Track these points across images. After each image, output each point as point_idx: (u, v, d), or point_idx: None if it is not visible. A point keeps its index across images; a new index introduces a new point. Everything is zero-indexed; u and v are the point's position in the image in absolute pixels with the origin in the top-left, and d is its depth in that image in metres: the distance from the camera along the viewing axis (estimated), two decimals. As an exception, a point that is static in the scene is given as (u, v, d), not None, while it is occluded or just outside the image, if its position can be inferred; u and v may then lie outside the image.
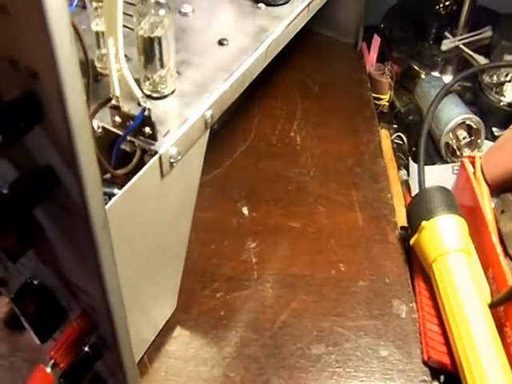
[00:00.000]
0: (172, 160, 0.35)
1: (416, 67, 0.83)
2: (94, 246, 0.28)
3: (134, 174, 0.38)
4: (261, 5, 0.54)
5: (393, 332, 0.45)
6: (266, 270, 0.49)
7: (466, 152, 0.65)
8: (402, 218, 0.57)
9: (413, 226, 0.50)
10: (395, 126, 0.76)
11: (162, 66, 0.39)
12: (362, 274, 0.50)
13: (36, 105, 0.25)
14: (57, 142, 0.26)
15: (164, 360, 0.42)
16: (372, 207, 0.57)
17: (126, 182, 0.35)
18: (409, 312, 0.47)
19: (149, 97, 0.40)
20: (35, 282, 0.37)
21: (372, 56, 0.88)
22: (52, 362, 0.32)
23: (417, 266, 0.50)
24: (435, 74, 0.81)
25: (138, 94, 0.36)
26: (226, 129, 0.65)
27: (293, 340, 0.44)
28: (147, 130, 0.35)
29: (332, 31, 0.88)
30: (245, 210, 0.55)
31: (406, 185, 0.64)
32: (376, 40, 0.88)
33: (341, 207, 0.56)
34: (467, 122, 0.65)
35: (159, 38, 0.38)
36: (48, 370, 0.31)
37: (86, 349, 0.34)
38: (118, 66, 0.36)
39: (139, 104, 0.38)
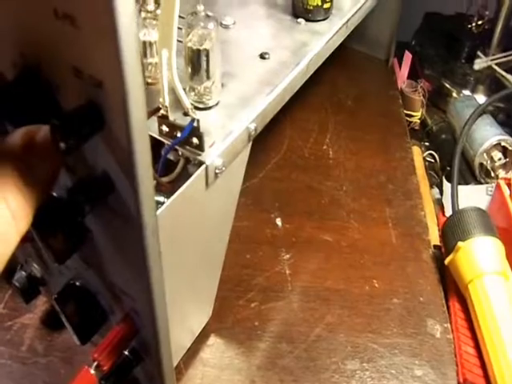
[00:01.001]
0: (217, 171, 0.36)
1: (447, 85, 0.83)
2: (143, 251, 0.29)
3: (177, 182, 0.39)
4: (300, 20, 0.55)
5: (428, 352, 0.45)
6: (299, 282, 0.49)
7: (501, 173, 0.65)
8: (434, 237, 0.57)
9: (448, 246, 0.50)
10: (426, 143, 0.76)
11: (208, 78, 0.40)
12: (396, 291, 0.50)
13: (97, 113, 0.26)
14: (115, 150, 0.26)
15: (199, 367, 0.42)
16: (405, 224, 0.57)
17: (170, 190, 0.35)
18: (443, 332, 0.47)
19: (194, 107, 0.40)
20: (77, 284, 0.38)
21: (403, 72, 0.88)
22: (96, 363, 0.32)
23: (451, 286, 0.50)
24: (467, 92, 0.81)
25: (188, 105, 0.36)
26: (259, 140, 0.66)
27: (327, 354, 0.44)
28: (194, 140, 0.36)
29: (364, 46, 0.88)
30: (278, 222, 0.55)
31: (438, 203, 0.63)
32: (407, 56, 0.88)
33: (374, 223, 0.56)
34: (502, 144, 0.65)
35: (207, 51, 0.39)
36: (92, 371, 0.32)
37: (127, 353, 0.35)
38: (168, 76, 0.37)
39: (185, 114, 0.39)
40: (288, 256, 0.52)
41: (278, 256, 0.52)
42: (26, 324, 0.45)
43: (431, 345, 0.46)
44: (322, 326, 0.46)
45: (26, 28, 0.27)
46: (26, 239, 0.41)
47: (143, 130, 0.25)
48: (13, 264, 0.48)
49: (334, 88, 0.79)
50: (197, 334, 0.44)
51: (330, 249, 0.53)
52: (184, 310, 0.40)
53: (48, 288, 0.44)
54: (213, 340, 0.44)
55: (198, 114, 0.39)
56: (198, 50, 0.39)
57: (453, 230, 0.50)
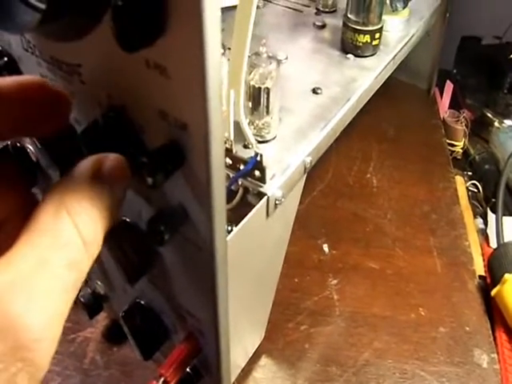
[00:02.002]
0: (277, 202, 0.38)
1: (489, 115, 0.84)
2: (212, 276, 0.31)
3: (236, 211, 0.41)
4: (349, 56, 0.57)
5: (475, 381, 0.46)
6: (347, 308, 0.51)
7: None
8: (479, 267, 0.58)
9: (494, 277, 0.51)
10: (469, 173, 0.77)
11: (267, 113, 0.43)
12: (442, 320, 0.51)
13: (180, 151, 0.28)
14: (193, 183, 0.29)
15: (253, 386, 0.45)
16: (450, 254, 0.58)
17: (230, 218, 0.38)
18: (490, 362, 0.47)
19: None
20: (143, 302, 0.40)
21: (445, 102, 0.90)
22: (163, 379, 0.34)
23: (497, 317, 0.51)
24: (509, 122, 0.82)
25: (253, 141, 0.39)
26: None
27: (376, 379, 0.46)
28: (256, 173, 0.38)
29: (406, 76, 0.90)
30: (325, 247, 0.58)
31: (482, 233, 0.64)
32: (449, 86, 0.89)
33: (418, 252, 0.58)
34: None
35: (268, 89, 0.42)
36: (160, 386, 0.34)
37: (189, 370, 0.37)
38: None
39: (245, 146, 0.42)
40: (335, 281, 0.54)
41: (325, 281, 0.54)
42: (89, 337, 0.49)
43: (478, 374, 0.47)
44: (370, 352, 0.47)
45: (116, 73, 0.30)
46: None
47: (221, 166, 0.28)
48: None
49: (377, 117, 0.81)
50: (250, 355, 0.46)
51: (375, 276, 0.55)
52: (241, 331, 0.42)
53: (110, 304, 0.47)
54: (264, 361, 0.46)
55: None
56: (260, 88, 0.42)
57: (500, 262, 0.51)
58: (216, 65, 0.24)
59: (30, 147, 0.44)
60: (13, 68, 0.39)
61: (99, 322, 0.49)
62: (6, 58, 0.39)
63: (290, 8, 0.68)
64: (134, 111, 0.30)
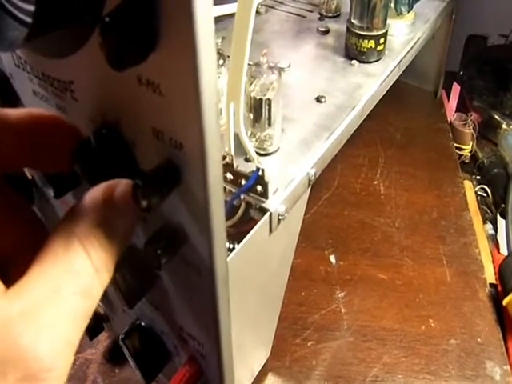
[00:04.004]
0: (280, 217, 0.37)
1: (497, 117, 0.82)
2: (213, 298, 0.30)
3: (238, 227, 0.40)
4: (354, 62, 0.56)
5: (487, 395, 0.45)
6: (355, 321, 0.50)
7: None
8: (489, 275, 0.56)
9: (506, 286, 0.50)
10: (478, 177, 0.75)
11: (269, 125, 0.42)
12: (453, 331, 0.49)
13: (175, 171, 0.27)
14: (191, 204, 0.28)
15: (260, 406, 0.44)
16: (460, 262, 0.56)
17: (231, 234, 0.37)
18: (503, 375, 0.46)
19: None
20: (143, 324, 0.39)
21: (452, 104, 0.88)
22: (166, 403, 0.33)
23: (510, 326, 0.49)
24: (517, 125, 0.80)
25: (254, 155, 0.38)
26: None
27: (386, 396, 0.44)
28: (259, 188, 0.37)
29: (412, 78, 0.88)
30: (332, 259, 0.56)
31: (492, 239, 0.63)
32: (456, 88, 0.88)
33: (428, 260, 0.57)
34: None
35: (269, 100, 0.41)
36: (163, 410, 0.33)
37: (191, 393, 0.36)
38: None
39: (246, 160, 0.41)
40: (343, 294, 0.52)
41: (332, 294, 0.52)
42: (89, 359, 0.48)
43: (491, 388, 0.45)
44: (379, 367, 0.46)
45: (108, 90, 0.29)
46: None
47: (219, 185, 0.27)
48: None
49: (383, 122, 0.80)
50: (256, 373, 0.45)
51: (384, 287, 0.53)
52: (246, 351, 0.41)
53: (111, 325, 0.46)
54: (271, 379, 0.45)
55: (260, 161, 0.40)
56: (261, 100, 0.40)
57: (511, 270, 0.50)
58: (211, 81, 0.23)
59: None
60: (4, 84, 0.38)
61: (100, 343, 0.48)
62: (-2, 75, 0.38)
63: (293, 14, 0.67)
64: (128, 129, 0.29)
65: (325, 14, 0.67)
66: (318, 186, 0.67)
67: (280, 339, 0.47)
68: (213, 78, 0.24)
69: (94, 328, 0.44)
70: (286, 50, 0.58)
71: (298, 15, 0.67)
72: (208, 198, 0.27)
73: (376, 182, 0.68)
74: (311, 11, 0.67)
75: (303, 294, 0.52)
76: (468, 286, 0.54)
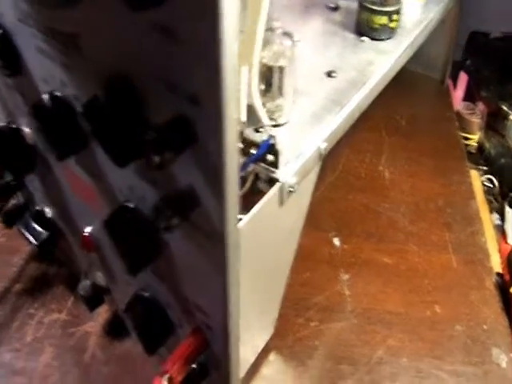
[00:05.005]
0: (290, 189, 0.36)
1: (505, 108, 0.81)
2: (224, 267, 0.29)
3: (247, 197, 0.39)
4: (364, 38, 0.55)
5: (493, 381, 0.44)
6: (359, 304, 0.49)
7: None
8: (496, 263, 0.55)
9: (514, 274, 0.49)
10: (484, 167, 0.74)
11: (280, 95, 0.40)
12: (459, 317, 0.48)
13: (189, 128, 0.26)
14: (204, 165, 0.27)
15: (262, 383, 0.43)
16: (466, 250, 0.55)
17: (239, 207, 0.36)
18: (509, 362, 0.45)
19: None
20: (146, 295, 0.38)
21: (458, 94, 0.87)
22: (168, 375, 0.32)
23: (516, 315, 0.49)
24: (525, 116, 0.79)
25: (266, 122, 0.37)
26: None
27: (391, 378, 0.43)
28: (269, 157, 0.36)
29: (419, 66, 0.87)
30: (336, 241, 0.55)
31: (498, 229, 0.62)
32: (463, 77, 0.87)
33: (433, 247, 0.56)
34: None
35: (282, 68, 0.39)
36: (165, 383, 0.32)
37: (195, 366, 0.35)
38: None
39: (256, 130, 0.39)
40: (347, 276, 0.51)
41: (336, 276, 0.51)
42: (89, 331, 0.46)
43: (497, 374, 0.44)
44: (383, 349, 0.45)
45: (118, 41, 0.27)
46: (91, 249, 0.43)
47: (235, 146, 0.26)
48: (75, 273, 0.49)
49: (389, 108, 0.78)
50: (260, 350, 0.44)
51: (389, 271, 0.52)
52: (251, 326, 0.40)
53: (112, 297, 0.45)
54: (274, 357, 0.44)
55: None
56: (273, 67, 0.39)
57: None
58: (233, 28, 0.22)
59: (26, 129, 0.42)
60: (6, 40, 0.36)
61: (100, 316, 0.47)
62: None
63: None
64: (139, 83, 0.28)
65: (334, -11, 0.65)
66: (322, 169, 0.65)
67: (283, 318, 0.45)
68: (235, 25, 0.22)
69: (94, 300, 0.43)
70: (294, 24, 0.57)
71: (307, -10, 0.65)
72: (224, 157, 0.25)
73: (381, 168, 0.67)
74: (320, -13, 0.65)
75: (307, 274, 0.51)
76: (474, 274, 0.53)
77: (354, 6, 0.57)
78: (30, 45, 0.35)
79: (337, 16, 0.60)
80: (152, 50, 0.25)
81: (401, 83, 0.85)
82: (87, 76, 0.31)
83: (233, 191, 0.27)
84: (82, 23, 0.29)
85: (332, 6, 0.61)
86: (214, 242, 0.28)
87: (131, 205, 0.33)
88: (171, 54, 0.24)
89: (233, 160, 0.26)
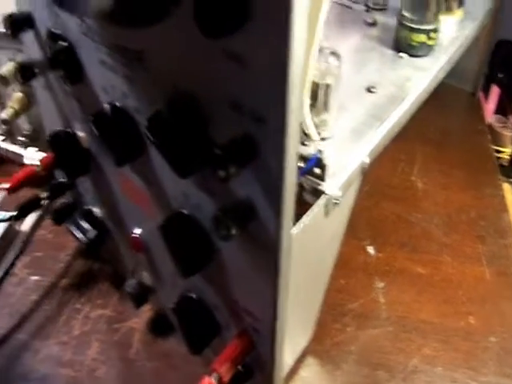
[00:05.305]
0: (335, 201, 0.38)
1: (537, 122, 0.82)
2: (276, 274, 0.31)
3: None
4: (402, 54, 0.56)
5: (527, 394, 0.45)
6: (394, 312, 0.50)
7: None
8: (529, 277, 0.56)
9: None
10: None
11: (325, 110, 0.42)
12: (493, 329, 0.49)
13: (252, 145, 0.28)
14: (264, 179, 0.28)
15: (300, 386, 0.44)
16: (499, 263, 0.56)
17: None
18: (543, 375, 0.46)
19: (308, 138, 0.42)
20: (194, 296, 0.40)
21: (490, 106, 0.87)
22: (217, 375, 0.34)
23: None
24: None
25: (316, 137, 0.38)
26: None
27: (426, 386, 0.45)
28: (316, 170, 0.38)
29: (451, 78, 0.87)
30: (370, 250, 0.57)
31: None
32: (495, 90, 0.87)
33: (467, 259, 0.57)
34: None
35: (328, 85, 0.41)
36: (214, 382, 0.34)
37: (240, 368, 0.37)
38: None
39: (302, 144, 0.41)
40: (382, 284, 0.53)
41: (371, 284, 0.53)
42: (134, 328, 0.48)
43: (531, 388, 0.45)
44: (418, 358, 0.46)
45: (186, 61, 0.29)
46: (140, 249, 0.45)
47: (295, 162, 0.27)
48: (120, 271, 0.52)
49: (421, 119, 0.79)
50: (299, 354, 0.46)
51: (423, 281, 0.54)
52: (294, 330, 0.41)
53: (156, 296, 0.47)
54: (311, 361, 0.46)
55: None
56: (320, 84, 0.41)
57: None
58: (301, 53, 0.24)
59: (81, 134, 0.44)
60: (70, 53, 0.38)
61: (144, 313, 0.49)
62: (64, 43, 0.39)
63: (338, 4, 0.67)
64: (203, 101, 0.29)
65: (372, 6, 0.66)
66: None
67: (320, 323, 0.47)
68: (303, 53, 0.24)
69: (140, 297, 0.45)
70: (332, 40, 0.58)
71: (344, 6, 0.67)
72: (283, 172, 0.27)
73: (413, 178, 0.68)
74: (357, 2, 0.67)
75: (343, 281, 0.52)
76: (508, 286, 0.54)
77: (392, 21, 0.58)
78: (93, 57, 0.36)
79: (374, 32, 0.61)
80: (219, 72, 0.27)
81: (432, 94, 0.86)
82: (150, 90, 0.33)
83: (290, 203, 0.29)
84: (149, 42, 0.31)
85: (370, 21, 0.62)
86: (267, 250, 0.30)
87: (186, 212, 0.35)
88: (239, 76, 0.26)
89: (292, 175, 0.27)
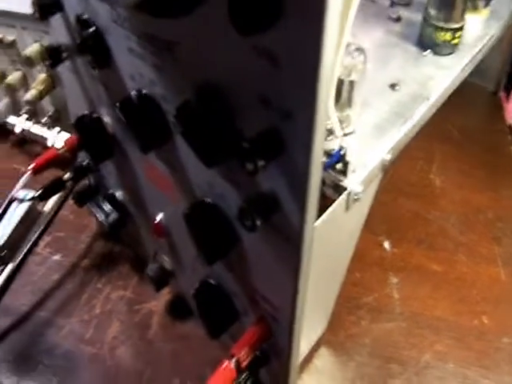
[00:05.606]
0: (356, 197, 0.38)
1: (558, 124, 0.81)
2: (297, 265, 0.32)
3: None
4: (426, 53, 0.56)
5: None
6: (408, 308, 0.51)
7: None
8: (544, 280, 0.56)
9: None
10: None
11: (349, 106, 0.43)
12: (507, 330, 0.50)
13: (279, 140, 0.28)
14: (290, 173, 0.29)
15: (314, 374, 0.45)
16: (515, 264, 0.57)
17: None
18: (556, 377, 0.47)
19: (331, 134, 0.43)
20: (214, 282, 0.41)
21: (511, 106, 0.87)
22: (236, 359, 0.35)
23: None
24: None
25: (339, 132, 0.39)
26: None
27: (438, 381, 0.45)
28: (338, 166, 0.38)
29: (472, 76, 0.87)
30: (386, 245, 0.57)
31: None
32: (517, 91, 0.86)
33: (482, 260, 0.57)
34: None
35: (353, 82, 0.41)
36: (232, 366, 0.35)
37: (257, 353, 0.38)
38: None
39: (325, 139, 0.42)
40: (396, 280, 0.53)
41: (386, 279, 0.53)
42: (153, 310, 0.50)
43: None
44: (430, 354, 0.47)
45: (216, 54, 0.29)
46: (162, 235, 0.46)
47: (321, 156, 0.28)
48: (140, 254, 0.53)
49: (441, 117, 0.79)
50: (314, 343, 0.47)
51: (438, 279, 0.54)
52: (311, 320, 0.42)
53: (176, 281, 0.48)
54: (325, 351, 0.47)
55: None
56: (345, 80, 0.41)
57: None
58: (331, 55, 0.24)
59: (107, 118, 0.45)
60: (99, 39, 0.39)
61: (163, 296, 0.50)
62: (93, 28, 0.39)
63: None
64: (232, 94, 0.30)
65: (396, 0, 0.66)
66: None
67: (335, 315, 0.48)
68: (333, 52, 0.24)
69: (161, 281, 0.46)
70: (356, 36, 0.58)
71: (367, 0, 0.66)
72: (310, 167, 0.27)
73: (432, 176, 0.68)
74: (381, -3, 0.67)
75: (358, 275, 0.53)
76: (523, 289, 0.54)
77: (416, 17, 0.58)
78: (122, 44, 0.37)
79: (398, 27, 0.61)
80: (249, 67, 0.27)
81: (453, 92, 0.85)
82: (179, 80, 0.34)
83: (314, 198, 0.29)
84: (180, 33, 0.31)
85: (394, 16, 0.62)
86: (289, 242, 0.31)
87: (210, 200, 0.36)
88: (269, 73, 0.26)
89: (318, 170, 0.28)
